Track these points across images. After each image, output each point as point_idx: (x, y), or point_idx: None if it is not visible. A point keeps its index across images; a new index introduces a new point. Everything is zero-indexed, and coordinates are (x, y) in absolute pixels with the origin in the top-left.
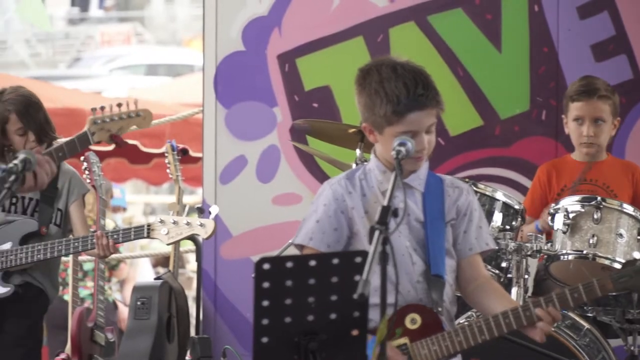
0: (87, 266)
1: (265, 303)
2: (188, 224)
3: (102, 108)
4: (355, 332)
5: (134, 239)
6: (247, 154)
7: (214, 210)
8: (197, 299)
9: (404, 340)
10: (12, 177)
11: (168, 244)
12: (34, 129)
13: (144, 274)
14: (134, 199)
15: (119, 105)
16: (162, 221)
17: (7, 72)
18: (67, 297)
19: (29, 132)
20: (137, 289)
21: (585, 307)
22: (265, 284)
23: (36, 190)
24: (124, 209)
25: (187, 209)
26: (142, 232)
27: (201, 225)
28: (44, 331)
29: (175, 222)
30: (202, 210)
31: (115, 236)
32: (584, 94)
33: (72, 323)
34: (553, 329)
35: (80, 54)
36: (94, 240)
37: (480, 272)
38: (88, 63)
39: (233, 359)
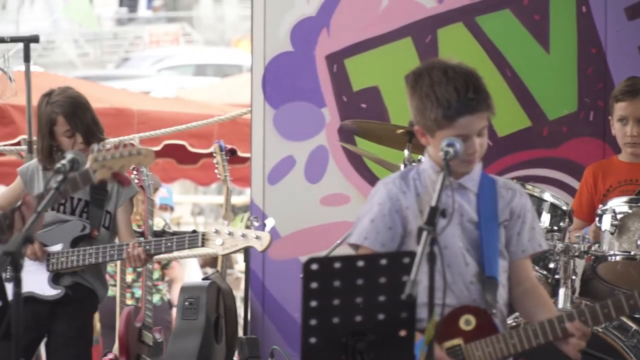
0: None
1: (314, 303)
2: (244, 235)
3: (104, 146)
4: (403, 333)
5: (188, 248)
6: (295, 154)
7: (270, 222)
8: (245, 300)
9: (457, 341)
10: (60, 178)
11: (222, 255)
12: (81, 131)
13: (192, 274)
14: (182, 199)
15: (122, 145)
16: (217, 231)
17: (55, 72)
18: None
19: (77, 134)
20: (185, 290)
21: None
22: (314, 285)
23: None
24: (172, 208)
25: (244, 219)
26: (197, 241)
27: (257, 237)
28: (98, 330)
29: (230, 233)
30: (254, 222)
31: (169, 244)
32: (628, 94)
33: (120, 323)
34: (600, 330)
35: (128, 54)
36: (147, 247)
37: (528, 276)
38: (136, 63)
39: (281, 359)
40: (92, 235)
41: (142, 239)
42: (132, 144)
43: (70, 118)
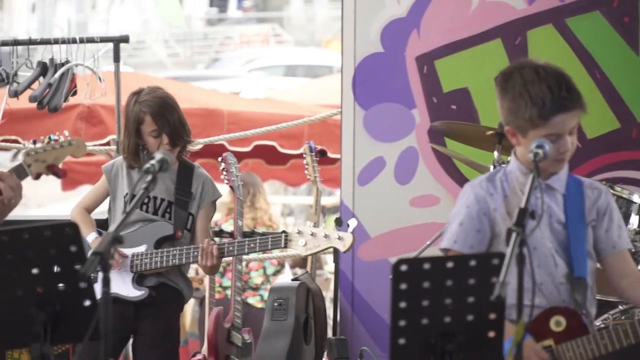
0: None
1: (403, 304)
2: (326, 236)
3: (34, 142)
4: (491, 334)
5: (271, 249)
6: (385, 155)
7: (352, 223)
8: (335, 300)
9: (548, 342)
10: (149, 178)
11: (305, 256)
12: (167, 132)
13: (282, 275)
14: (272, 200)
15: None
16: (300, 232)
17: (145, 72)
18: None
19: (163, 134)
20: (274, 290)
21: None
22: (403, 286)
23: (4, 209)
24: None
25: (324, 218)
26: (280, 242)
27: (339, 238)
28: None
29: (313, 234)
30: (340, 222)
31: (252, 245)
32: None
33: (209, 324)
34: None
35: (218, 55)
36: (230, 249)
37: (632, 268)
38: (226, 64)
39: None
40: (176, 236)
41: (216, 239)
42: (64, 136)
43: (158, 118)
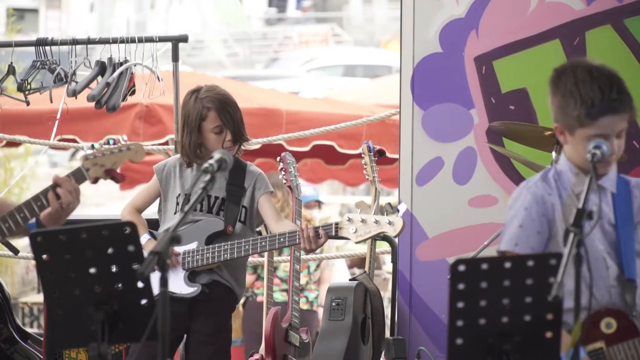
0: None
1: (460, 304)
2: (376, 222)
3: (93, 146)
4: (549, 335)
5: None
6: (443, 155)
7: (402, 208)
8: (392, 300)
9: (599, 344)
10: (207, 177)
11: (356, 242)
12: (231, 128)
13: (340, 275)
14: (330, 200)
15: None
16: (350, 220)
17: (203, 71)
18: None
19: (226, 130)
20: (332, 290)
21: None
22: (461, 286)
23: (63, 213)
24: (319, 204)
25: (375, 207)
26: (330, 230)
27: (389, 223)
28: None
29: (363, 221)
30: (391, 206)
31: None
32: None
33: (267, 323)
34: None
35: (277, 54)
36: (281, 240)
37: None
38: (285, 63)
39: None
40: (227, 231)
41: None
42: (123, 140)
43: (222, 113)
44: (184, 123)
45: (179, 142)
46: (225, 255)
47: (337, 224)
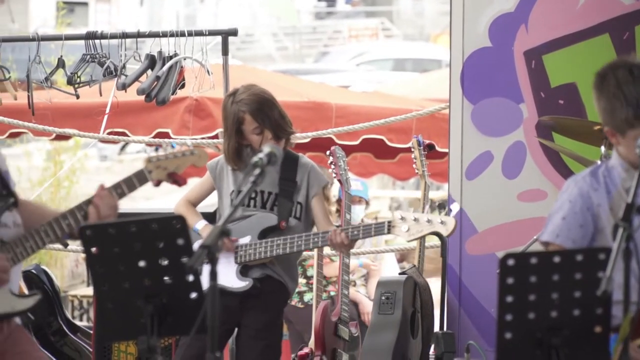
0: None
1: (509, 299)
2: (429, 221)
3: (157, 149)
4: (598, 329)
5: (374, 235)
6: (493, 149)
7: (455, 207)
8: (442, 294)
9: None
10: (257, 171)
11: (408, 241)
12: (269, 127)
13: (389, 269)
14: (380, 194)
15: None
16: (403, 218)
17: (253, 65)
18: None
19: (266, 130)
20: (381, 284)
21: None
22: (510, 280)
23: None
24: (367, 202)
25: (427, 207)
26: (383, 228)
27: (442, 222)
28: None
29: (416, 219)
30: (443, 206)
31: (355, 232)
32: None
33: (316, 317)
34: None
35: (327, 49)
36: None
37: None
38: (335, 57)
39: (476, 354)
40: (280, 226)
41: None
42: (187, 145)
43: (257, 115)
44: (225, 127)
45: (222, 145)
46: (278, 250)
47: (389, 222)
